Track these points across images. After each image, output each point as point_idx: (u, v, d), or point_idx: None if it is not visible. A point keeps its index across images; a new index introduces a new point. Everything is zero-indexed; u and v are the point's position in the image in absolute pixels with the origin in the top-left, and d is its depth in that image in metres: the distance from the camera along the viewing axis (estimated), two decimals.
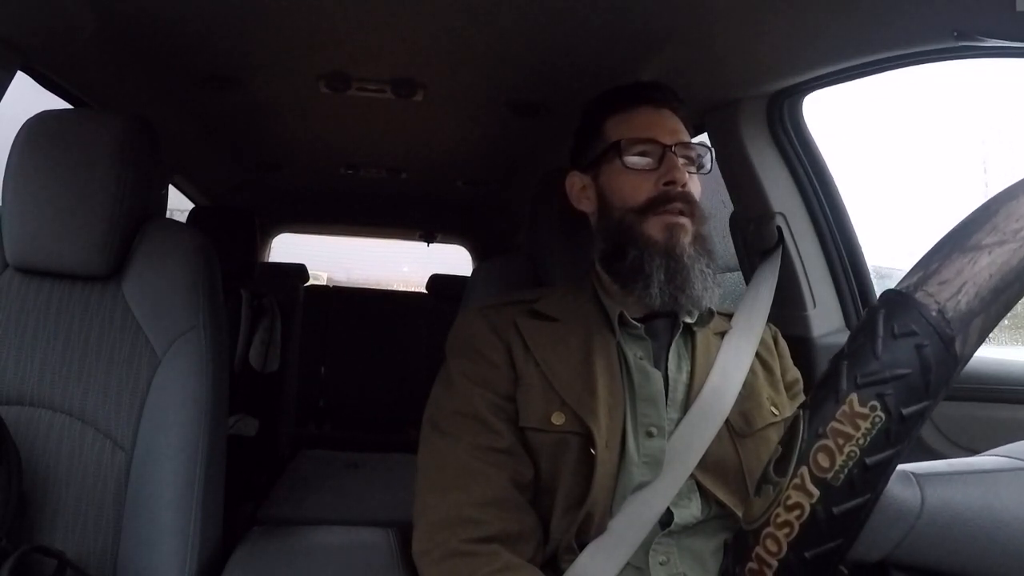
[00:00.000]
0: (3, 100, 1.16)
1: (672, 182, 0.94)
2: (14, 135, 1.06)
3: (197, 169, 2.41)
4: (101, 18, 1.25)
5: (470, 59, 1.48)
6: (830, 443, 0.40)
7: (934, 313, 0.41)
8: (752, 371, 0.97)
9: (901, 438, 0.40)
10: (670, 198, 0.94)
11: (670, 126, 0.99)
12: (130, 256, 1.09)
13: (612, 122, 1.01)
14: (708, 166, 1.01)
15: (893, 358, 0.41)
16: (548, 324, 0.96)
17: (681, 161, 0.96)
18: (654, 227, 0.94)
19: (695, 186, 0.98)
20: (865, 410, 0.40)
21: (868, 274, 1.42)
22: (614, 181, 0.99)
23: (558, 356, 0.92)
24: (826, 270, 1.39)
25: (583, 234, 1.07)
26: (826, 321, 1.37)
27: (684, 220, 0.94)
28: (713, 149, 1.02)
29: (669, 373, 0.94)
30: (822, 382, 0.43)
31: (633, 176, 0.97)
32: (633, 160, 0.97)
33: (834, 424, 0.41)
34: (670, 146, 0.96)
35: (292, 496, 1.67)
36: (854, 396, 0.41)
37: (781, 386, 1.01)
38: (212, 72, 1.59)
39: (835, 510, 0.40)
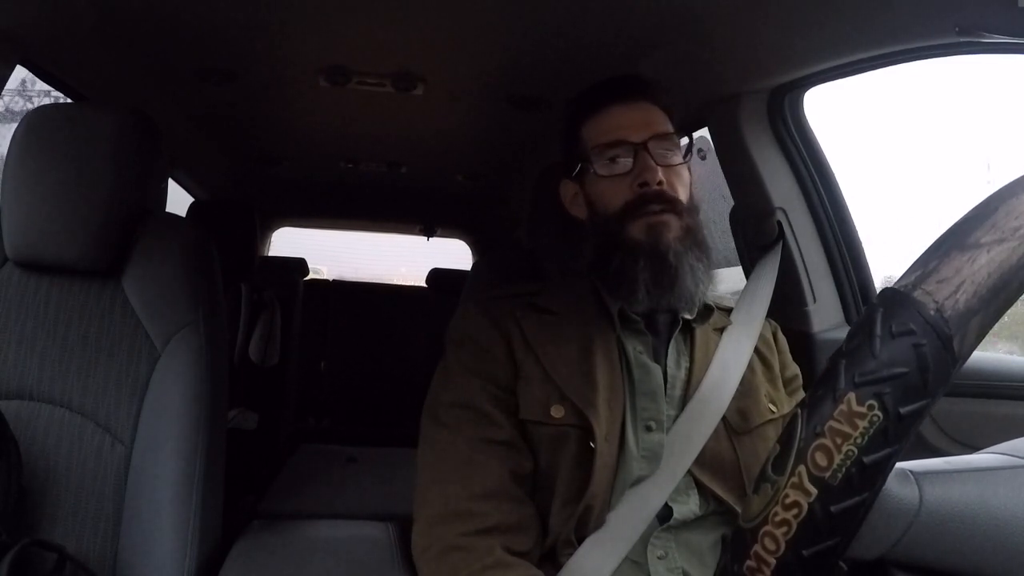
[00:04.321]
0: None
1: (645, 183, 0.92)
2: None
3: (197, 163, 2.40)
4: (100, 11, 1.25)
5: (470, 53, 1.48)
6: (828, 442, 0.40)
7: (932, 312, 0.40)
8: (750, 368, 0.97)
9: (899, 437, 0.40)
10: (647, 199, 0.92)
11: (641, 120, 0.95)
12: (130, 250, 1.09)
13: (586, 127, 0.99)
14: (691, 153, 0.98)
15: (891, 357, 0.40)
16: (548, 317, 0.96)
17: (660, 151, 0.94)
18: (636, 229, 0.92)
19: (677, 176, 0.95)
20: (863, 409, 0.40)
21: (868, 269, 1.42)
22: (595, 189, 0.97)
23: (558, 349, 0.92)
24: (826, 265, 1.39)
25: (582, 229, 1.07)
26: (826, 316, 1.38)
27: (666, 217, 0.92)
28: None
29: (668, 370, 0.94)
30: (820, 381, 0.42)
31: (609, 183, 0.95)
32: (606, 167, 0.95)
33: (832, 423, 0.40)
34: (642, 143, 0.93)
35: (292, 490, 1.67)
36: (852, 395, 0.40)
37: (780, 382, 1.01)
38: (212, 66, 1.59)
39: (833, 509, 0.40)
